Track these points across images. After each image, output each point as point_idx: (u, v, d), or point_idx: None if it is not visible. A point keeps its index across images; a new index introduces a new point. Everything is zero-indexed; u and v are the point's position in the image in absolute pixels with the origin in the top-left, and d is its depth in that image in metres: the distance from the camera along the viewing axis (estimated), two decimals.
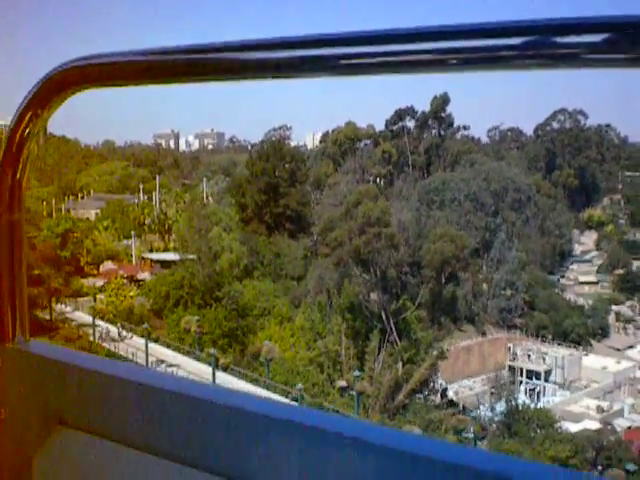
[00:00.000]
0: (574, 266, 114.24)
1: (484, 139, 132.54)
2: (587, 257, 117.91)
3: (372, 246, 66.44)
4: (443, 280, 76.76)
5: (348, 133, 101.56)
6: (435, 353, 65.88)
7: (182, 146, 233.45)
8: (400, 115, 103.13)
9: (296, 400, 43.43)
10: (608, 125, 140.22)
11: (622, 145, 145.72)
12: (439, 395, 71.40)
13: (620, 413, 73.20)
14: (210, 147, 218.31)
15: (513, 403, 69.17)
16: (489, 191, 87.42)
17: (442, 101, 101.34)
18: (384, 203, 69.32)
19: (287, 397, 48.25)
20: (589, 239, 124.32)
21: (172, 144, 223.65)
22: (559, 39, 0.97)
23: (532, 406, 69.33)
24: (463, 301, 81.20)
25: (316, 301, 69.99)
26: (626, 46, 0.93)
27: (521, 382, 78.98)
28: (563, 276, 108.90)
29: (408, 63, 1.14)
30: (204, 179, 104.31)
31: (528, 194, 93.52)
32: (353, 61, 1.17)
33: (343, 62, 1.17)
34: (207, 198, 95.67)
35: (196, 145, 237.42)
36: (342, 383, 50.01)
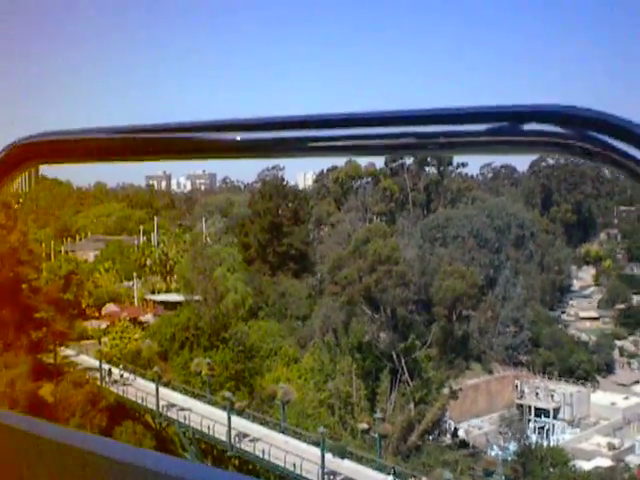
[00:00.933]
0: (574, 301, 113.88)
1: (477, 177, 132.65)
2: (586, 292, 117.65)
3: (383, 284, 65.77)
4: (454, 318, 76.12)
5: (350, 171, 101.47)
6: (447, 392, 64.92)
7: (174, 187, 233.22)
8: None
9: (317, 444, 42.34)
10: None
11: (615, 180, 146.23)
12: (449, 435, 70.38)
13: (632, 450, 72.37)
14: (203, 188, 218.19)
15: (525, 442, 68.27)
16: (492, 227, 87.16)
17: None
18: (393, 241, 68.83)
19: (304, 441, 47.20)
20: (587, 274, 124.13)
21: (164, 185, 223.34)
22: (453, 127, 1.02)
23: (545, 444, 68.50)
24: (471, 339, 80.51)
25: (323, 341, 69.12)
26: (506, 133, 0.99)
27: (529, 420, 77.92)
28: (564, 312, 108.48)
29: (359, 147, 1.16)
30: (203, 219, 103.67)
31: (531, 230, 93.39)
32: (320, 144, 1.17)
33: (310, 144, 1.17)
34: (205, 238, 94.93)
35: (188, 186, 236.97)
36: (363, 425, 48.86)
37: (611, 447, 71.26)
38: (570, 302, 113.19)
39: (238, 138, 1.22)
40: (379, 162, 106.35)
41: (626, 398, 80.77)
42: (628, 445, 72.82)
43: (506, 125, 0.98)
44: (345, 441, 52.02)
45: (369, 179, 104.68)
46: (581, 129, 0.94)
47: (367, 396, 64.10)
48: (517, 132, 0.98)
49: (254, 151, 1.26)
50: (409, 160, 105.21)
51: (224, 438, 48.00)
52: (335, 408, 61.08)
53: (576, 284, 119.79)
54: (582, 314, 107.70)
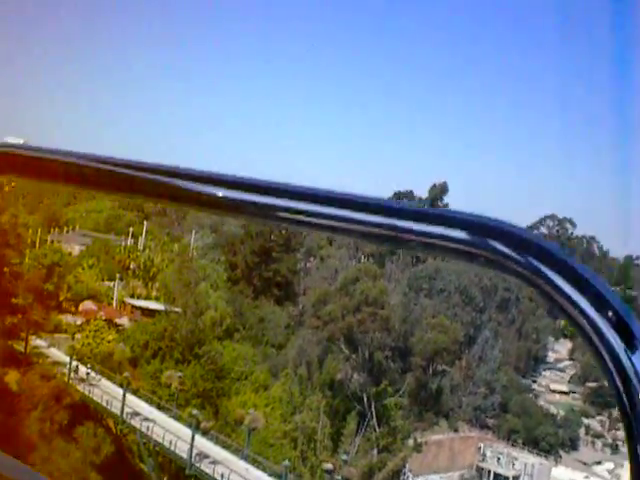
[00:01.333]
0: (546, 372, 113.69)
1: None
2: (560, 365, 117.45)
3: (365, 326, 65.31)
4: (430, 370, 75.54)
5: None
6: (411, 444, 64.25)
7: None
8: (399, 197, 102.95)
9: (279, 477, 41.59)
10: (593, 237, 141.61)
11: (603, 258, 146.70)
12: None
13: None
14: None
15: None
16: (479, 286, 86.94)
17: (440, 190, 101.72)
18: (382, 284, 68.48)
19: (265, 471, 46.34)
20: (563, 347, 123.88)
21: None
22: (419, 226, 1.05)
23: None
24: (443, 394, 79.86)
25: (295, 373, 68.37)
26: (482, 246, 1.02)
27: None
28: (535, 381, 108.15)
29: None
30: (192, 232, 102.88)
31: (517, 294, 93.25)
32: (298, 217, 1.16)
33: (285, 215, 1.17)
34: (193, 251, 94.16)
35: None
36: (328, 466, 48.08)
37: None
38: (543, 373, 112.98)
39: (220, 194, 1.19)
40: None
41: (586, 477, 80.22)
42: None
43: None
44: (305, 478, 51.32)
45: None
46: (485, 238, 0.99)
47: (332, 435, 63.28)
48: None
49: (233, 210, 1.23)
50: None
51: (184, 455, 47.13)
52: (298, 442, 60.22)
53: (551, 356, 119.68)
54: (553, 386, 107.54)
